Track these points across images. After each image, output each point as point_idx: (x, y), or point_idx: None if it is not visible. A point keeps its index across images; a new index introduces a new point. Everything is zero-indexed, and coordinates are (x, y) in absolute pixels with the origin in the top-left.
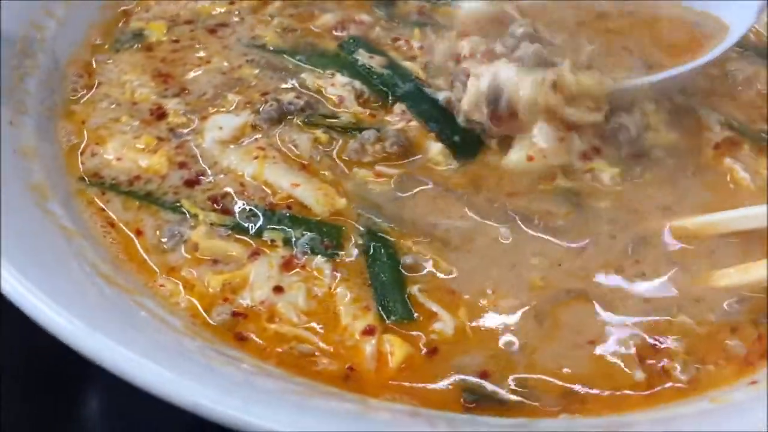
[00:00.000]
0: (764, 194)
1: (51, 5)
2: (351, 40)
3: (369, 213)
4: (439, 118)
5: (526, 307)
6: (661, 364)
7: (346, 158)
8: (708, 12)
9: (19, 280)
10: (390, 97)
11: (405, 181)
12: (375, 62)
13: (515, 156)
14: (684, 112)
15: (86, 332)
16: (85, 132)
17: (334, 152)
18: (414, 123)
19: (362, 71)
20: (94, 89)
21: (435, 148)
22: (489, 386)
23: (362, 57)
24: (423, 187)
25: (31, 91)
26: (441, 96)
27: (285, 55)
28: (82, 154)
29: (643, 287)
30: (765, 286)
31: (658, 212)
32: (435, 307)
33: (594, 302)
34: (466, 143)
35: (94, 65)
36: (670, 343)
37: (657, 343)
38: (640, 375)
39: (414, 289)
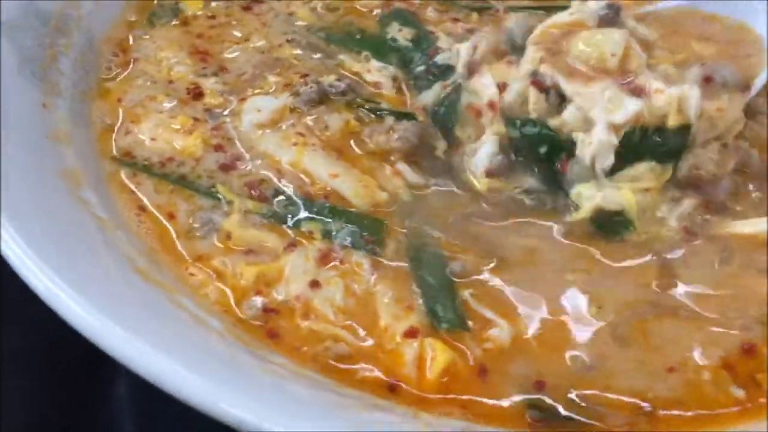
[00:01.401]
0: None
1: None
2: (389, 14)
3: (408, 211)
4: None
5: (602, 322)
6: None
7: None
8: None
9: (53, 280)
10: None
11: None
12: (402, 35)
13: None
14: None
15: (122, 337)
16: (120, 111)
17: (368, 140)
18: None
19: (388, 45)
20: (130, 66)
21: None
22: (555, 403)
23: (392, 30)
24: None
25: (65, 72)
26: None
27: (321, 37)
28: (116, 133)
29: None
30: None
31: None
32: (489, 314)
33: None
34: None
35: (131, 41)
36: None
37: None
38: (737, 392)
39: (465, 294)
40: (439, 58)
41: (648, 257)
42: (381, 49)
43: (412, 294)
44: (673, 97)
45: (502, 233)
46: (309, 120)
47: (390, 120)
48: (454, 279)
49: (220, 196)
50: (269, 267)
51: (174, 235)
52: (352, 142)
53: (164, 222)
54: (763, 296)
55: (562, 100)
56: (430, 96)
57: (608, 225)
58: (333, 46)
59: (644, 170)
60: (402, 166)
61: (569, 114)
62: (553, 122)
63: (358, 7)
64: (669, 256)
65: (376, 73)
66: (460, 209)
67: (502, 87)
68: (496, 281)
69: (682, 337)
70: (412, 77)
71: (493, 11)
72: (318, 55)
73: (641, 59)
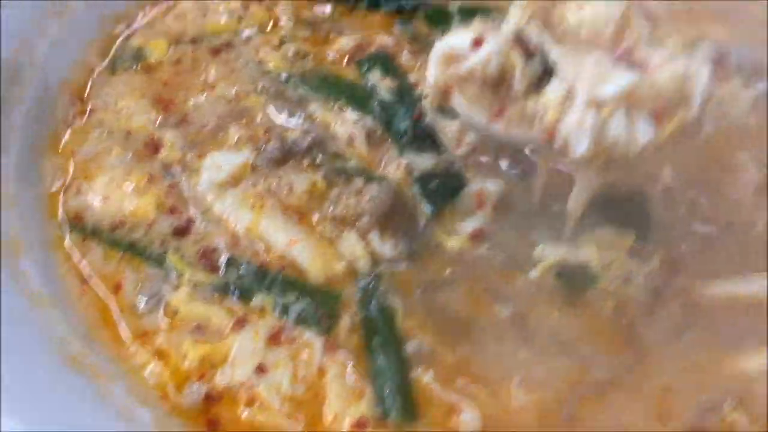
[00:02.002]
0: None
1: (44, 23)
2: (370, 58)
3: (368, 283)
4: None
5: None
6: None
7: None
8: None
9: None
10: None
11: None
12: (384, 85)
13: None
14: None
15: None
16: (71, 166)
17: (332, 205)
18: None
19: (366, 95)
20: (86, 116)
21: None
22: None
23: (373, 78)
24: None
25: (15, 125)
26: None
27: (293, 84)
28: (65, 192)
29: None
30: None
31: None
32: (453, 397)
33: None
34: None
35: (89, 88)
36: None
37: None
38: None
39: (425, 377)
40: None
41: (614, 322)
42: (359, 97)
43: (365, 377)
44: (678, 73)
45: (467, 305)
46: (271, 180)
47: (359, 182)
48: (412, 360)
49: (170, 265)
50: (215, 347)
51: (118, 310)
52: (317, 204)
53: (109, 294)
54: (720, 377)
55: (546, 73)
56: (421, 162)
57: (573, 279)
58: (305, 94)
59: (607, 235)
60: (371, 234)
61: (553, 90)
62: (532, 103)
63: (330, 53)
64: (634, 321)
65: (350, 124)
66: (425, 279)
67: (477, 42)
68: (459, 361)
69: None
70: (392, 133)
71: None
72: (287, 105)
73: (642, 31)
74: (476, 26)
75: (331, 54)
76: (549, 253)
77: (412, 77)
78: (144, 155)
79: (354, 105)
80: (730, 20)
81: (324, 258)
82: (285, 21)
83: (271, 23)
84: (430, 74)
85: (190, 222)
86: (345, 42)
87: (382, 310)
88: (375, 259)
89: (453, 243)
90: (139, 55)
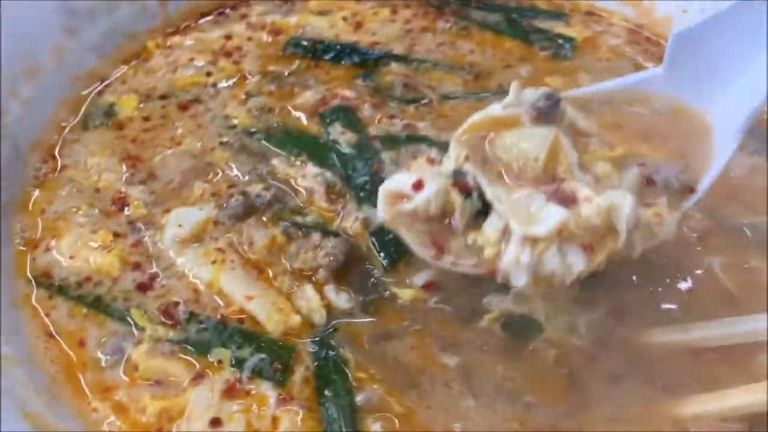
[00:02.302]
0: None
1: (17, 86)
2: (333, 111)
3: (323, 335)
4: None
5: None
6: None
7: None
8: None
9: None
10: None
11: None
12: (345, 139)
13: None
14: None
15: None
16: (40, 225)
17: (291, 259)
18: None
19: (327, 148)
20: (57, 172)
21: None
22: None
23: (334, 131)
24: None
25: None
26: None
27: (257, 139)
28: (34, 250)
29: None
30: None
31: None
32: None
33: None
34: None
35: (61, 146)
36: None
37: None
38: None
39: (374, 427)
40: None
41: (556, 371)
42: (320, 152)
43: (317, 427)
44: (602, 207)
45: (417, 356)
46: (233, 235)
47: (316, 237)
48: (362, 410)
49: (132, 321)
50: (172, 402)
51: (81, 365)
52: (276, 258)
53: (72, 351)
54: (657, 424)
55: (485, 206)
56: (377, 216)
57: (518, 329)
58: (267, 149)
59: None
60: (327, 286)
61: (490, 226)
62: (472, 238)
63: (292, 107)
64: (576, 369)
65: (310, 179)
66: (378, 330)
67: (417, 185)
68: (407, 410)
69: None
70: (351, 186)
71: (427, 101)
72: (250, 160)
73: (571, 159)
74: (417, 166)
75: (295, 108)
76: (496, 304)
77: (372, 130)
78: (111, 213)
79: (315, 159)
80: (656, 137)
81: (281, 312)
82: (251, 75)
83: (238, 77)
84: (379, 212)
85: (153, 278)
86: (309, 95)
87: (335, 362)
88: (330, 312)
89: (406, 295)
90: (110, 112)
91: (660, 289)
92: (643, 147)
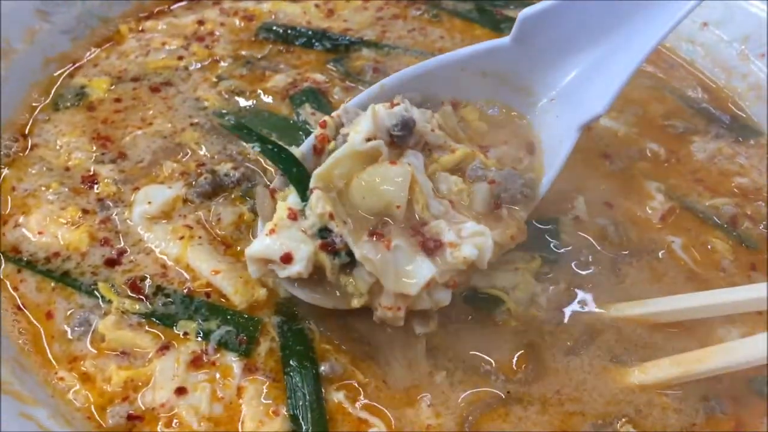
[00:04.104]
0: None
1: None
2: (303, 93)
3: (287, 309)
4: None
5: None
6: None
7: None
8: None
9: None
10: None
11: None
12: (315, 119)
13: None
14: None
15: None
16: (9, 202)
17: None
18: None
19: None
20: (27, 151)
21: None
22: None
23: (304, 112)
24: None
25: None
26: None
27: (228, 120)
28: (3, 226)
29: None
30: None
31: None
32: (364, 415)
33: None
34: None
35: (30, 125)
36: None
37: None
38: None
39: (338, 396)
40: None
41: (516, 341)
42: (290, 131)
43: (281, 396)
44: (468, 259)
45: (381, 327)
46: (201, 213)
47: None
48: (325, 380)
49: (99, 294)
50: (138, 372)
51: (49, 337)
52: (243, 234)
53: (40, 323)
54: (614, 392)
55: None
56: None
57: (480, 301)
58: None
59: (516, 259)
60: None
61: (361, 278)
62: (344, 282)
63: (263, 90)
64: (535, 340)
65: None
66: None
67: (286, 259)
68: (370, 380)
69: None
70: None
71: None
72: (220, 140)
73: (426, 189)
74: (280, 224)
75: (266, 91)
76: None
77: None
78: (80, 190)
79: (285, 139)
80: (488, 138)
81: (247, 285)
82: (223, 60)
83: (209, 61)
84: (250, 270)
85: (121, 253)
86: (280, 79)
87: (299, 334)
88: None
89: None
90: (81, 93)
91: (621, 267)
92: (480, 151)
